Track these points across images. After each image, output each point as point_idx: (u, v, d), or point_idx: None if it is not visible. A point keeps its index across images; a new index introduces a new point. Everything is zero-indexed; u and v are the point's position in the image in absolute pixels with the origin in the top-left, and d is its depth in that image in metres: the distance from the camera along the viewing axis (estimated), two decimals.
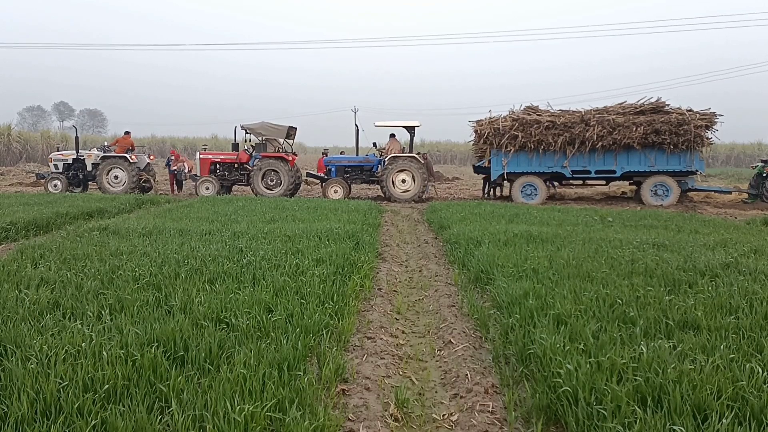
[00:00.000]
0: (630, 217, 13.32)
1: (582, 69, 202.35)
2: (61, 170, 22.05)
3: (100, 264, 7.10)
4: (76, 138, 23.53)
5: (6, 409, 3.34)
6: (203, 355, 4.20)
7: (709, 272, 6.87)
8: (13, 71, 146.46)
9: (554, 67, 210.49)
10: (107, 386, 3.60)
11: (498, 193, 22.12)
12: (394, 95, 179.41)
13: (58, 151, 23.87)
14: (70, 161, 22.21)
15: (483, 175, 22.03)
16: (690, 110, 19.04)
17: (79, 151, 22.61)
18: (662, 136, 18.58)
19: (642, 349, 4.16)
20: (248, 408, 3.34)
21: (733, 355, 4.10)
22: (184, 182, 24.45)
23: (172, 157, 25.07)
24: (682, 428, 3.04)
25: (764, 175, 19.85)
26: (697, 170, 19.23)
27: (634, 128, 18.68)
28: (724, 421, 3.12)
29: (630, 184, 21.40)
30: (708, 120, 18.82)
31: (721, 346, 4.28)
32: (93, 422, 3.17)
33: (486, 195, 22.07)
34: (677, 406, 3.33)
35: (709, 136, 18.93)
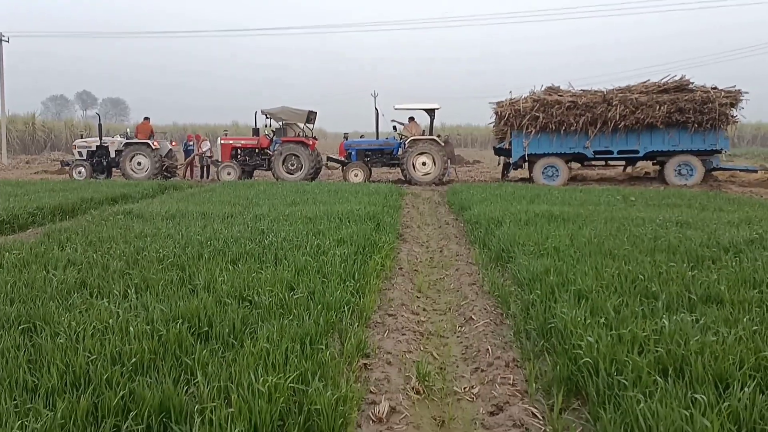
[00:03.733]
0: (653, 197, 13.19)
1: (602, 50, 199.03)
2: (85, 157, 22.30)
3: (125, 246, 7.22)
4: (99, 125, 23.74)
5: (37, 381, 3.43)
6: (227, 330, 4.26)
7: (733, 248, 6.80)
8: (35, 61, 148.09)
9: (582, 46, 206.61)
10: (134, 359, 3.67)
11: (510, 174, 21.82)
12: (415, 79, 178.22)
13: (81, 138, 24.12)
14: (94, 148, 22.44)
15: (504, 158, 21.79)
16: (714, 88, 18.73)
17: (103, 138, 22.86)
18: (686, 114, 18.30)
19: (664, 322, 4.14)
20: (272, 379, 3.38)
21: (756, 327, 4.07)
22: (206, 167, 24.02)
23: (190, 143, 24.72)
24: (703, 396, 3.03)
25: None
26: (721, 149, 18.94)
27: (658, 107, 18.41)
28: (746, 389, 3.11)
29: (653, 164, 21.14)
30: (733, 98, 18.51)
31: (744, 319, 4.25)
32: (121, 392, 3.24)
33: (504, 177, 21.89)
34: (699, 376, 3.33)
35: (734, 114, 18.64)
